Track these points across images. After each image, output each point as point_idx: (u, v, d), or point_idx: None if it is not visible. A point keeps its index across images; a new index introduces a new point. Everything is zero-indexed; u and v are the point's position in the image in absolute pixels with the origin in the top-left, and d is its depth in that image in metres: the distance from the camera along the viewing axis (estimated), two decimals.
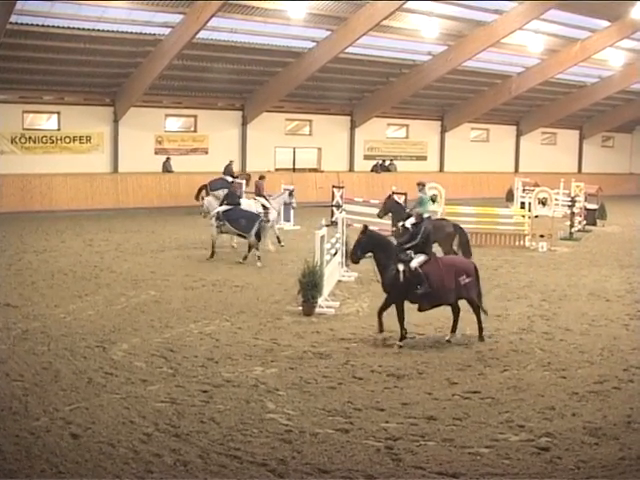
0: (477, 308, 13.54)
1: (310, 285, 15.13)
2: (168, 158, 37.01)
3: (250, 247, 21.26)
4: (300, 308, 15.32)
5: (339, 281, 18.40)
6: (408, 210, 21.85)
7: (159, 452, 8.39)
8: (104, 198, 33.74)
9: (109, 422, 9.17)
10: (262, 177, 26.83)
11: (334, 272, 17.93)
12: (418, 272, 13.16)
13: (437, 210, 23.55)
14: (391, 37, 34.67)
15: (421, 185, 22.16)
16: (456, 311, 13.55)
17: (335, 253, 18.02)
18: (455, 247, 20.02)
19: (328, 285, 16.58)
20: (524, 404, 10.25)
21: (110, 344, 12.64)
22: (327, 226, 17.17)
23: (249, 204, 23.54)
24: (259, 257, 20.85)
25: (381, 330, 13.41)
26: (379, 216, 23.23)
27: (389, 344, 13.09)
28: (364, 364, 11.93)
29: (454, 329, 13.53)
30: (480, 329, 13.47)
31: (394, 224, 22.05)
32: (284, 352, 12.53)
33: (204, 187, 30.31)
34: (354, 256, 13.85)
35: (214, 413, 9.59)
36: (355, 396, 10.40)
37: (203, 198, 26.43)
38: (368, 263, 13.88)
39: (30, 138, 33.60)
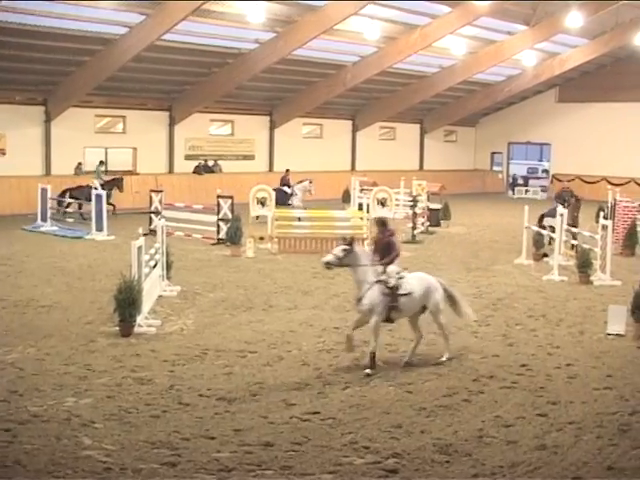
0: None
1: (127, 302, 14.91)
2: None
3: None
4: (117, 328, 15.08)
5: (160, 296, 18.21)
6: None
7: None
8: None
9: None
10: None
11: (154, 286, 17.75)
12: None
13: None
14: (214, 23, 34.49)
15: None
16: None
17: (155, 265, 17.84)
18: None
19: (148, 301, 16.40)
20: (368, 423, 10.45)
21: None
22: (145, 235, 16.99)
23: None
24: None
25: None
26: None
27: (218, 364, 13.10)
28: (191, 388, 11.88)
29: None
30: None
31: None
32: (100, 379, 12.31)
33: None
34: None
35: (20, 454, 9.27)
36: (182, 424, 10.33)
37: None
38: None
39: None
